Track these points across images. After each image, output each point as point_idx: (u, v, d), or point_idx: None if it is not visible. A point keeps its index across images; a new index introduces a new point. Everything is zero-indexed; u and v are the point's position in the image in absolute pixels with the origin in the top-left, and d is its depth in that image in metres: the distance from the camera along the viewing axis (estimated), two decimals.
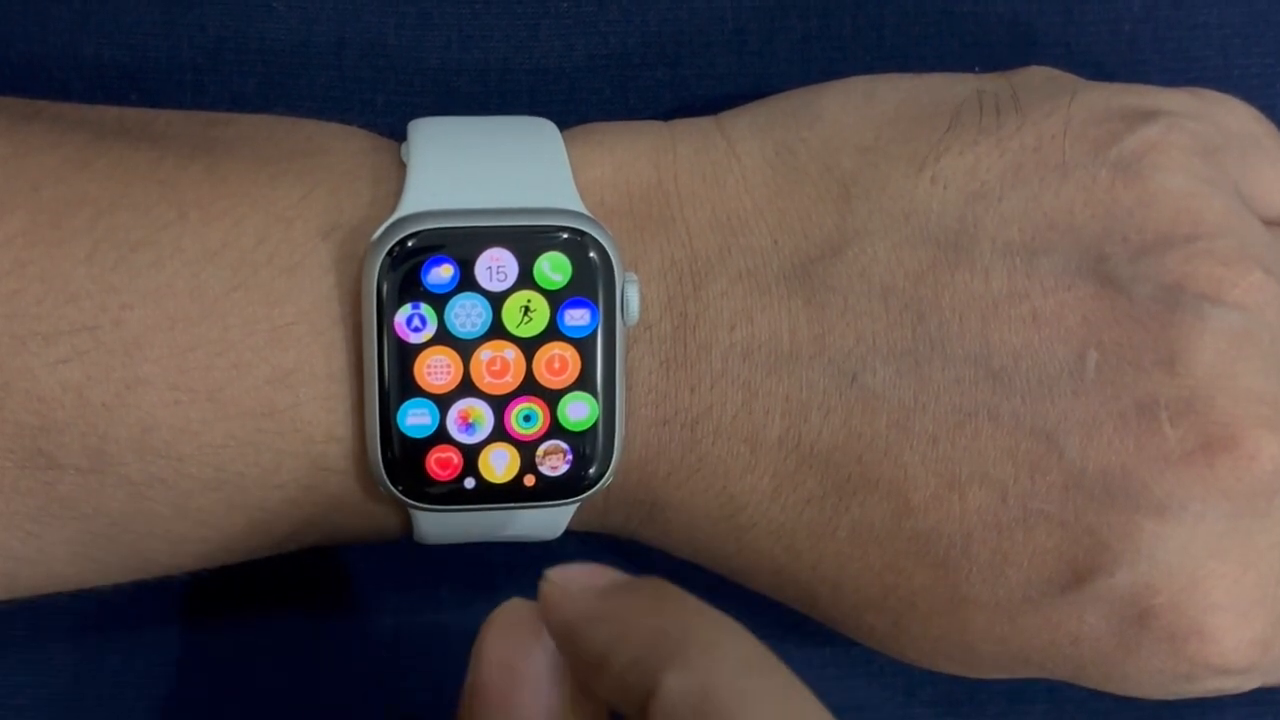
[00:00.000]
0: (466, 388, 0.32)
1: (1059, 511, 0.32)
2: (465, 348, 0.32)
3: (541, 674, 0.28)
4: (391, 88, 0.39)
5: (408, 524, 0.34)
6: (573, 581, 0.28)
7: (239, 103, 0.38)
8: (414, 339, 0.32)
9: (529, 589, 0.38)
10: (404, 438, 0.32)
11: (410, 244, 0.31)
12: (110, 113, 0.34)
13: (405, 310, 0.31)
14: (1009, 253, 0.33)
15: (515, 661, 0.28)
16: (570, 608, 0.28)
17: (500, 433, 0.32)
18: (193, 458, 0.31)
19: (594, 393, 0.32)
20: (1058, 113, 0.34)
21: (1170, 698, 0.35)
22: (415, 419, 0.32)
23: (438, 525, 0.34)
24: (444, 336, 0.32)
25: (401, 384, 0.32)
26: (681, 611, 0.27)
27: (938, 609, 0.34)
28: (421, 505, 0.33)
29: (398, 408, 0.32)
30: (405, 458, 0.32)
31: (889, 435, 0.33)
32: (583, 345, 0.32)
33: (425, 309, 0.32)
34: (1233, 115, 0.36)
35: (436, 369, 0.32)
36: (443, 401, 0.32)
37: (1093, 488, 0.32)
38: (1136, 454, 0.32)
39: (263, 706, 0.39)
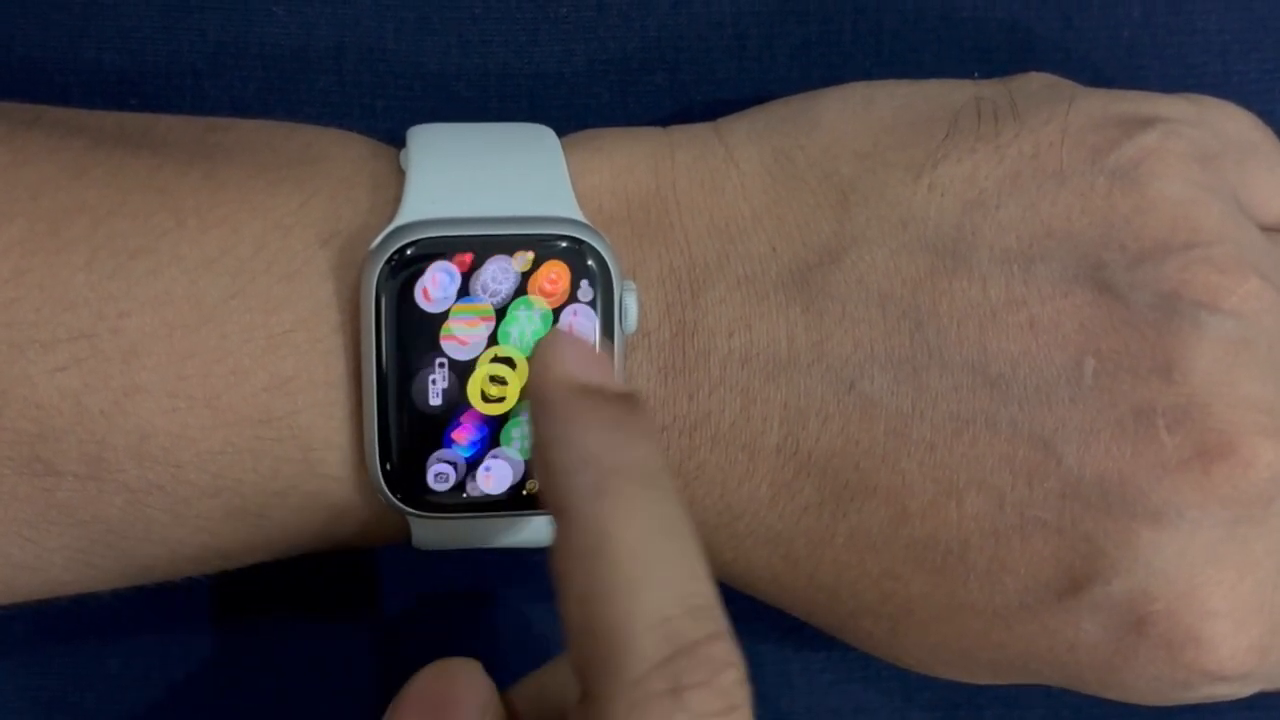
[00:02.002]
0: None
1: (1056, 519, 0.32)
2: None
3: (469, 709, 0.30)
4: (391, 93, 0.39)
5: (406, 531, 0.34)
6: (569, 360, 0.29)
7: (239, 107, 0.38)
8: None
9: (526, 595, 0.39)
10: (402, 446, 0.32)
11: (409, 252, 0.31)
12: (109, 118, 0.34)
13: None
14: (1006, 260, 0.33)
15: (443, 695, 0.30)
16: (549, 385, 0.29)
17: (498, 443, 0.32)
18: (190, 464, 0.31)
19: None
20: (1055, 120, 0.34)
21: (1167, 704, 0.35)
22: None
23: (435, 532, 0.34)
24: None
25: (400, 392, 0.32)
26: (630, 448, 0.28)
27: (935, 615, 0.34)
28: (419, 513, 0.33)
29: (396, 415, 0.32)
30: (403, 466, 0.32)
31: (887, 442, 0.33)
32: None
33: None
34: (1231, 122, 0.35)
35: None
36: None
37: (1090, 495, 0.32)
38: (1133, 461, 0.32)
39: (260, 710, 0.39)
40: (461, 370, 0.32)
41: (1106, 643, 0.33)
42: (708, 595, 0.27)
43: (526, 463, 0.33)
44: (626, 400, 0.29)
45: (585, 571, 0.27)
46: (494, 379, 0.32)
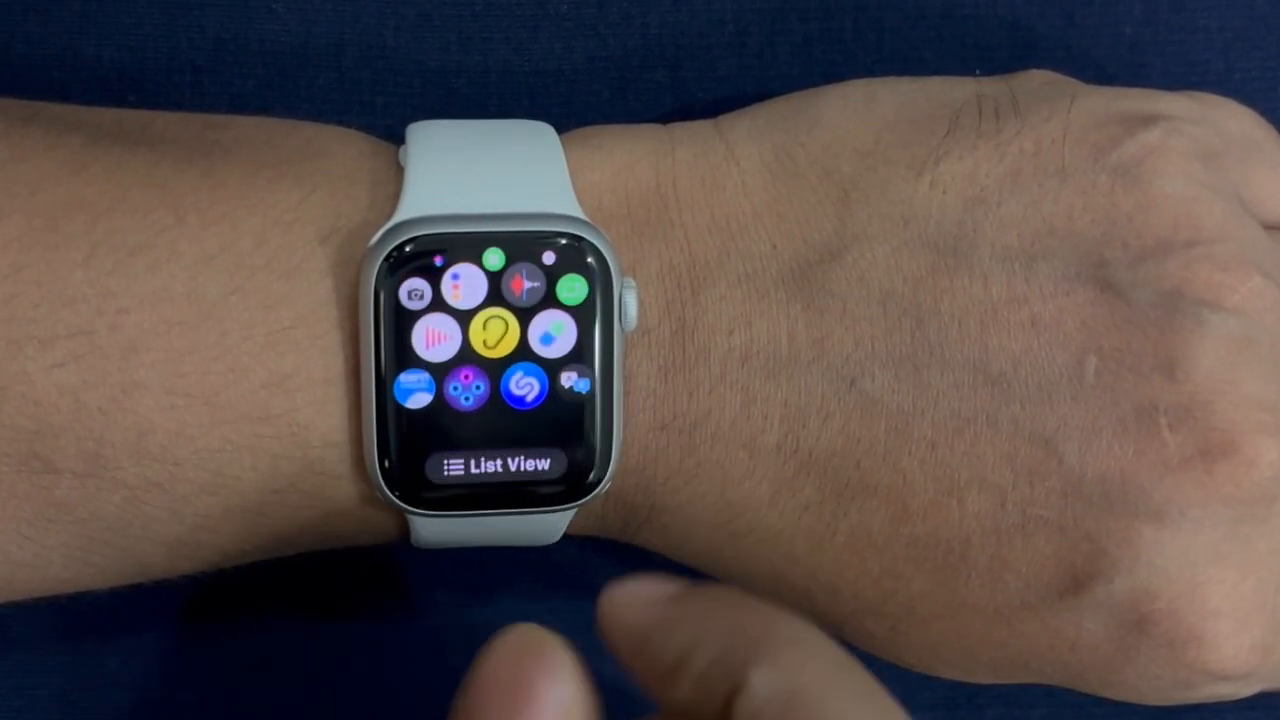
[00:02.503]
0: None
1: (1058, 517, 0.32)
2: None
3: (548, 705, 0.26)
4: (391, 89, 0.39)
5: (404, 528, 0.34)
6: (637, 594, 0.28)
7: (238, 104, 0.38)
8: None
9: (526, 593, 0.39)
10: (401, 444, 0.32)
11: (408, 249, 0.31)
12: (108, 115, 0.34)
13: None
14: (1008, 258, 0.33)
15: (520, 686, 0.26)
16: (641, 615, 0.27)
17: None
18: (189, 462, 0.31)
19: (593, 402, 0.32)
20: (1057, 117, 0.34)
21: (1169, 704, 0.35)
22: None
23: (434, 530, 0.33)
24: None
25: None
26: (761, 612, 0.27)
27: (936, 614, 0.34)
28: (418, 511, 0.33)
29: (395, 415, 0.32)
30: (402, 464, 0.32)
31: (887, 441, 0.33)
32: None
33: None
34: (1233, 119, 0.35)
35: None
36: None
37: (1091, 493, 0.32)
38: (1135, 460, 0.32)
39: (259, 709, 0.39)
40: None
41: (1108, 642, 0.33)
42: None
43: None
44: (719, 585, 0.28)
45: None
46: None
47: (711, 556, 0.35)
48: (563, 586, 0.39)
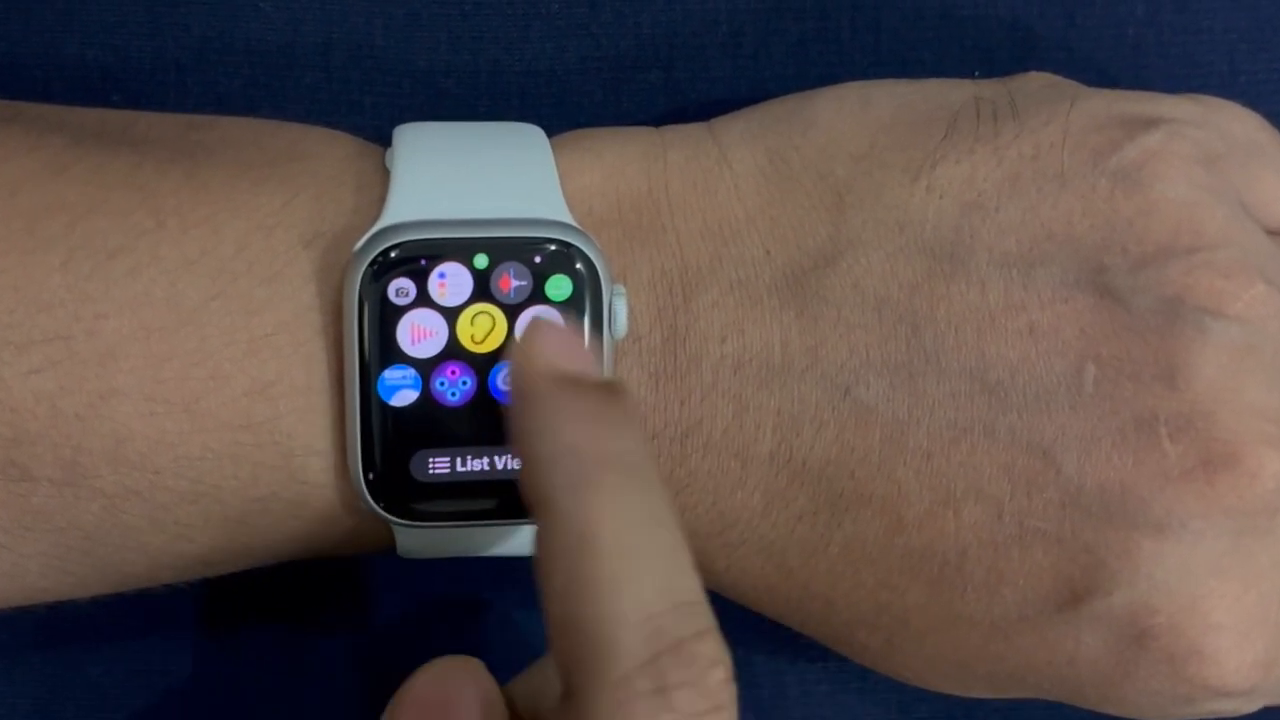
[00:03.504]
0: None
1: (1056, 529, 0.32)
2: None
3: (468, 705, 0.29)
4: (379, 89, 0.39)
5: (390, 538, 0.33)
6: (549, 349, 0.28)
7: (223, 104, 0.38)
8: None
9: (514, 603, 0.38)
10: (385, 453, 0.31)
11: (393, 255, 0.31)
12: (90, 115, 0.34)
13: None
14: (1006, 264, 0.32)
15: (444, 696, 0.29)
16: (529, 374, 0.28)
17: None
18: (169, 470, 0.31)
19: None
20: (1056, 120, 0.33)
21: (1169, 719, 0.34)
22: None
23: (420, 540, 0.33)
24: None
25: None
26: (612, 438, 0.27)
27: (931, 627, 0.33)
28: (403, 521, 0.32)
29: (379, 422, 0.31)
30: (387, 473, 0.32)
31: (882, 450, 0.32)
32: None
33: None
34: (1236, 122, 0.35)
35: None
36: None
37: (1090, 505, 0.32)
38: (1135, 470, 0.32)
39: (244, 718, 0.38)
40: None
41: (1107, 656, 0.33)
42: (694, 591, 0.27)
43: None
44: (609, 390, 0.28)
45: (567, 566, 0.27)
46: None
47: (704, 568, 0.33)
48: None
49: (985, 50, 0.39)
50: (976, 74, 0.36)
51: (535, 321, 0.29)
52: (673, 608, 0.26)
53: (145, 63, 0.38)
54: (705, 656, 0.26)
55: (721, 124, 0.35)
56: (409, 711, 0.30)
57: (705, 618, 0.27)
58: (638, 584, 0.26)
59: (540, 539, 0.27)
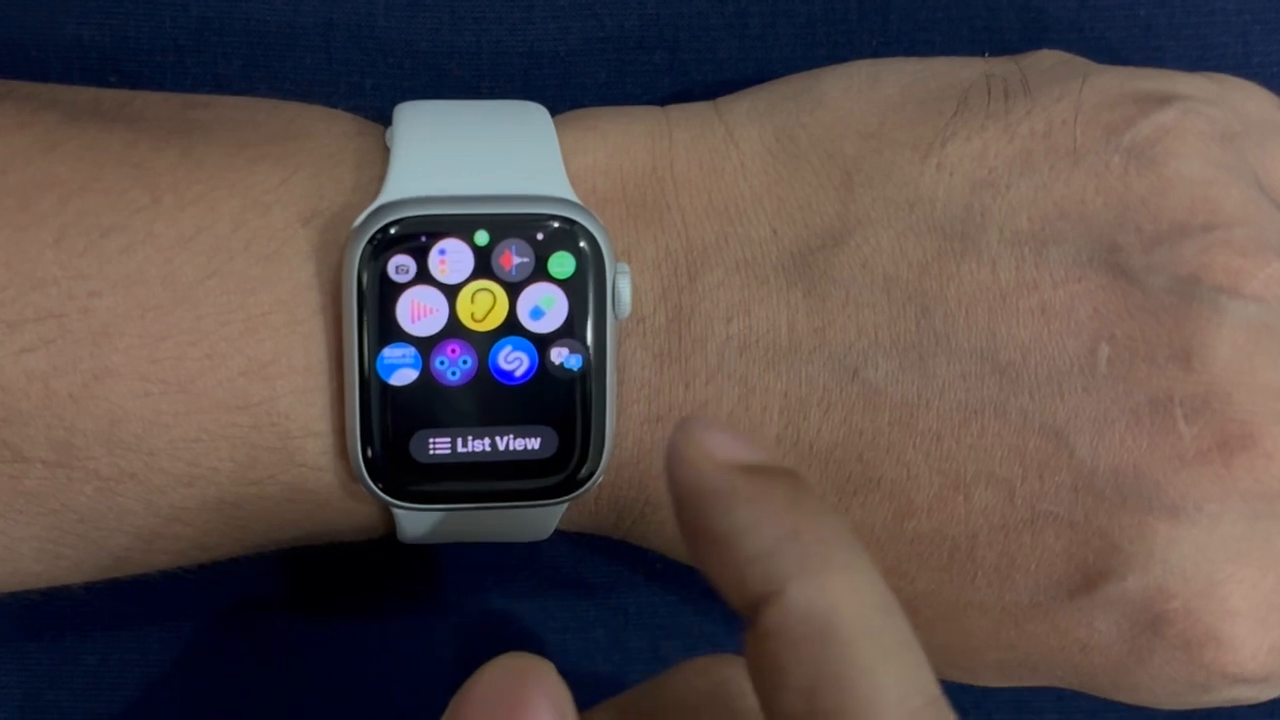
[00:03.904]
0: None
1: (1068, 512, 0.31)
2: None
3: (542, 709, 0.26)
4: (380, 71, 0.38)
5: (390, 523, 0.33)
6: (714, 444, 0.26)
7: (222, 85, 0.38)
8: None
9: (518, 592, 0.38)
10: (385, 434, 0.31)
11: (393, 231, 0.31)
12: (85, 94, 0.33)
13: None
14: (1017, 242, 0.32)
15: (515, 696, 0.26)
16: (706, 473, 0.25)
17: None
18: (164, 452, 0.31)
19: (584, 387, 0.32)
20: (1069, 97, 0.33)
21: (1185, 708, 0.34)
22: None
23: (421, 524, 0.33)
24: None
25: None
26: (823, 521, 0.25)
27: (941, 614, 0.33)
28: (403, 504, 0.32)
29: (379, 402, 0.31)
30: (386, 454, 0.31)
31: (891, 433, 0.32)
32: None
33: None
34: (1252, 101, 0.34)
35: None
36: None
37: (1104, 488, 0.31)
38: (1150, 453, 0.31)
39: (243, 709, 0.38)
40: None
41: (1121, 642, 0.32)
42: (936, 684, 0.25)
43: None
44: (794, 475, 0.26)
45: (811, 659, 0.24)
46: None
47: None
48: (556, 585, 0.38)
49: (995, 31, 0.39)
50: (986, 54, 0.35)
51: (684, 420, 0.26)
52: (930, 701, 0.24)
53: (143, 44, 0.38)
54: None
55: (727, 103, 0.35)
56: (478, 708, 0.27)
57: (950, 714, 0.25)
58: (893, 673, 0.24)
59: (767, 637, 0.24)
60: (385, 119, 0.34)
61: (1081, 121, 0.32)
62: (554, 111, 0.34)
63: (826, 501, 0.26)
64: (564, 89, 0.38)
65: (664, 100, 0.36)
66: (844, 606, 0.24)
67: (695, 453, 0.26)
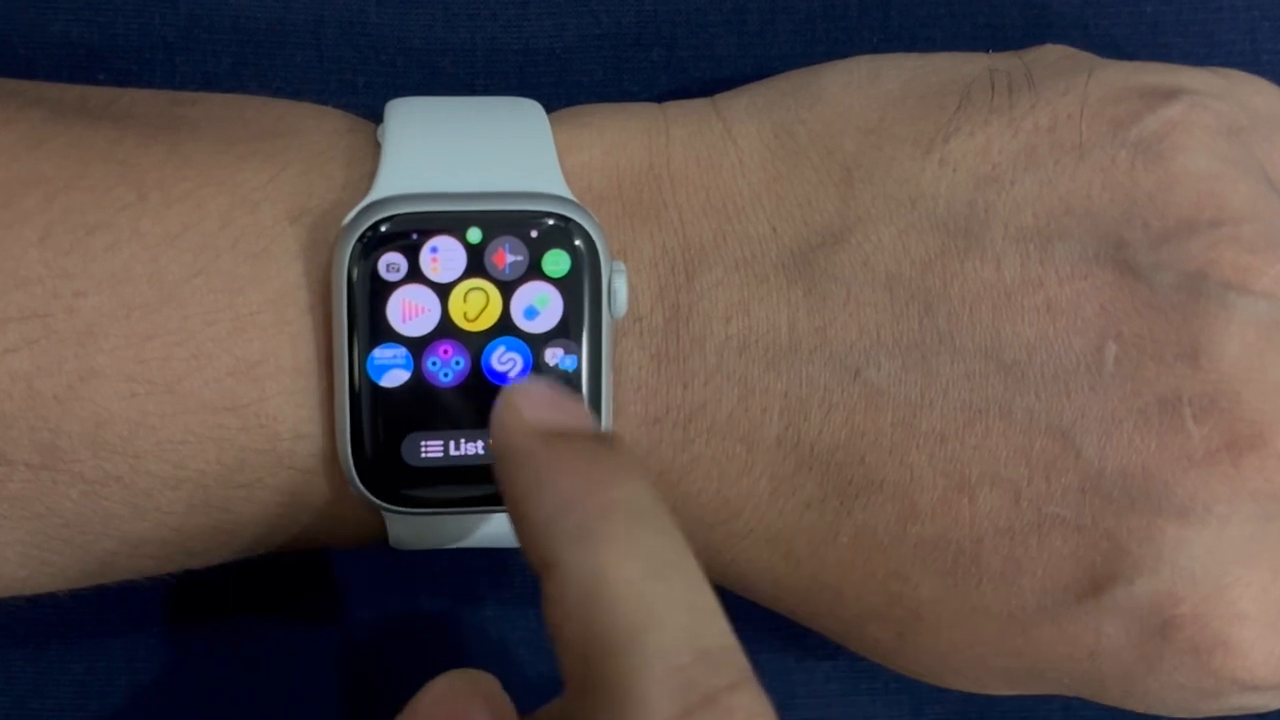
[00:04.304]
0: None
1: (1075, 515, 0.31)
2: None
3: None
4: (373, 69, 0.38)
5: (382, 528, 0.32)
6: (528, 407, 0.27)
7: (211, 83, 0.37)
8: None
9: (512, 598, 0.38)
10: (376, 436, 0.31)
11: (383, 229, 0.30)
12: (72, 91, 0.33)
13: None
14: (1022, 239, 0.31)
15: (459, 711, 0.28)
16: (513, 435, 0.27)
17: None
18: (150, 454, 0.30)
19: (579, 388, 0.31)
20: (1074, 91, 0.32)
21: (1195, 715, 0.33)
22: None
23: (413, 529, 0.32)
24: None
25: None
26: (609, 483, 0.26)
27: (946, 620, 0.32)
28: (395, 508, 0.31)
29: (369, 403, 0.30)
30: (377, 458, 0.31)
31: (894, 434, 0.32)
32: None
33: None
34: (1259, 95, 0.34)
35: None
36: None
37: (1111, 489, 0.31)
38: (1158, 453, 0.31)
39: (230, 716, 0.37)
40: None
41: (1129, 648, 0.32)
42: (722, 635, 0.25)
43: None
44: (603, 439, 0.27)
45: (582, 623, 0.25)
46: None
47: (708, 559, 0.33)
48: None
49: (998, 28, 0.39)
50: (990, 52, 0.35)
51: (516, 383, 0.28)
52: (700, 657, 0.25)
53: (132, 41, 0.37)
54: (742, 709, 0.24)
55: (725, 99, 0.34)
56: None
57: (737, 665, 0.25)
58: (659, 633, 0.25)
59: (550, 603, 0.26)
60: (377, 117, 0.33)
61: (1087, 116, 0.32)
62: (550, 108, 0.34)
63: (632, 466, 0.27)
64: (560, 87, 0.38)
65: (661, 98, 0.36)
66: (612, 574, 0.25)
67: (508, 414, 0.27)
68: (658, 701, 0.24)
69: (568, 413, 0.27)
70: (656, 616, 0.25)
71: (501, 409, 0.27)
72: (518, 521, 0.27)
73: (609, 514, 0.26)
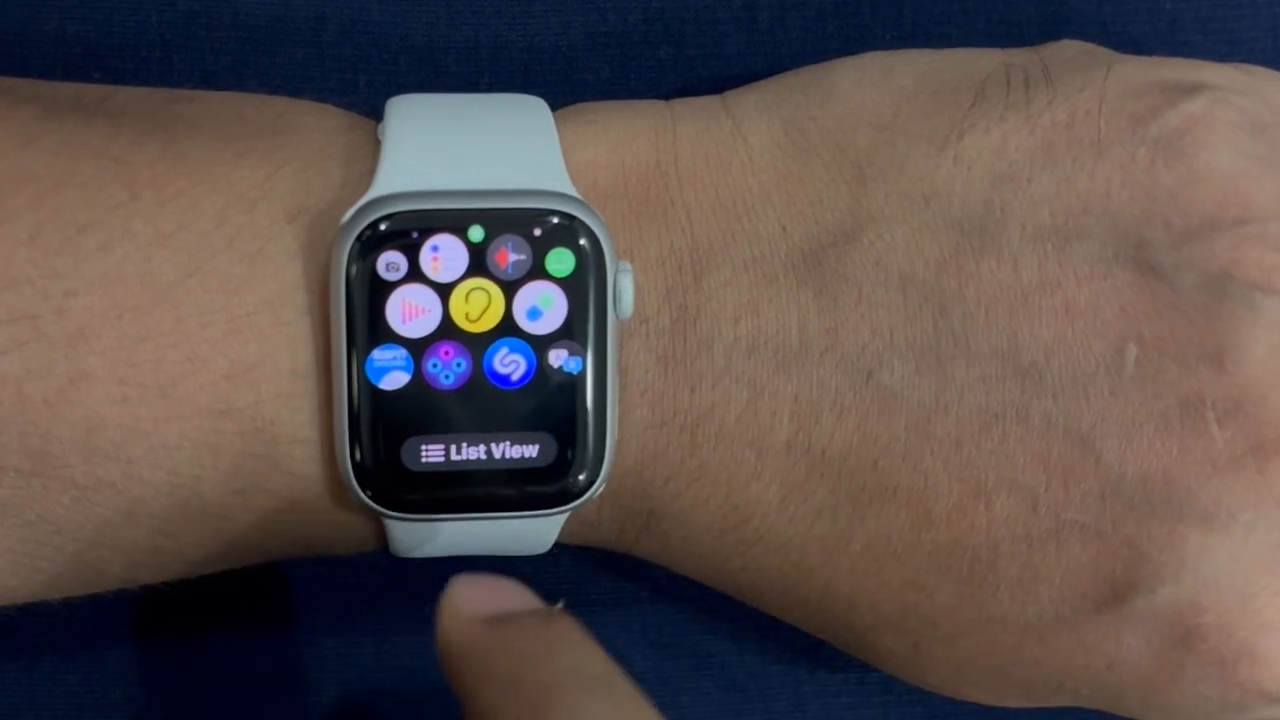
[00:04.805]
0: None
1: (1095, 522, 0.30)
2: None
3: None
4: (374, 67, 0.37)
5: (383, 535, 0.32)
6: (464, 599, 0.27)
7: (210, 82, 0.37)
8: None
9: None
10: (375, 440, 0.30)
11: (383, 227, 0.30)
12: (66, 88, 0.33)
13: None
14: (1039, 239, 0.31)
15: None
16: (451, 630, 0.27)
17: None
18: (143, 460, 0.30)
19: (583, 391, 0.31)
20: (1092, 86, 0.32)
21: None
22: None
23: (414, 536, 0.32)
24: None
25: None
26: (555, 655, 0.26)
27: (961, 630, 0.32)
28: (395, 514, 0.31)
29: (368, 406, 0.30)
30: (377, 462, 0.30)
31: (908, 439, 0.31)
32: None
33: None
34: None
35: None
36: None
37: (1132, 495, 0.30)
38: (1180, 458, 0.30)
39: None
40: None
41: (1150, 659, 0.31)
42: None
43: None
44: (545, 614, 0.27)
45: None
46: None
47: (716, 568, 0.33)
48: (556, 601, 0.37)
49: (1013, 25, 0.38)
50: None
51: (452, 580, 0.28)
52: None
53: (128, 38, 0.37)
54: None
55: (734, 96, 0.34)
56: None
57: None
58: None
59: None
60: (379, 116, 0.33)
61: (1106, 112, 0.31)
62: (554, 108, 0.33)
63: (578, 638, 0.26)
64: (565, 85, 0.38)
65: (669, 97, 0.35)
66: None
67: (446, 613, 0.27)
68: None
69: (507, 594, 0.27)
70: None
71: (443, 613, 0.27)
72: (467, 717, 0.26)
73: (556, 687, 0.25)
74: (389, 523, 0.31)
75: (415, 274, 0.30)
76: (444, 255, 0.30)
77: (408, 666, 0.37)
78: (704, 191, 0.32)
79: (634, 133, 0.33)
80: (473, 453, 0.30)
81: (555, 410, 0.30)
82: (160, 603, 0.37)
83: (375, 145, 0.31)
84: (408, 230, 0.30)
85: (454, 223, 0.30)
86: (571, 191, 0.31)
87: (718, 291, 0.31)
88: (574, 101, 0.34)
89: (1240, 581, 0.30)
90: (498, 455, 0.30)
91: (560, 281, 0.30)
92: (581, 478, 0.31)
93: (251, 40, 0.37)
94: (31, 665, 0.37)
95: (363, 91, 0.37)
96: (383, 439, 0.30)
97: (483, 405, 0.30)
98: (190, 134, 0.31)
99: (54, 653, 0.37)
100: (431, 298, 0.30)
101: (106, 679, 0.37)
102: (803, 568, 0.32)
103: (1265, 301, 0.30)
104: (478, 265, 0.30)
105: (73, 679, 0.37)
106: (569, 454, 0.31)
